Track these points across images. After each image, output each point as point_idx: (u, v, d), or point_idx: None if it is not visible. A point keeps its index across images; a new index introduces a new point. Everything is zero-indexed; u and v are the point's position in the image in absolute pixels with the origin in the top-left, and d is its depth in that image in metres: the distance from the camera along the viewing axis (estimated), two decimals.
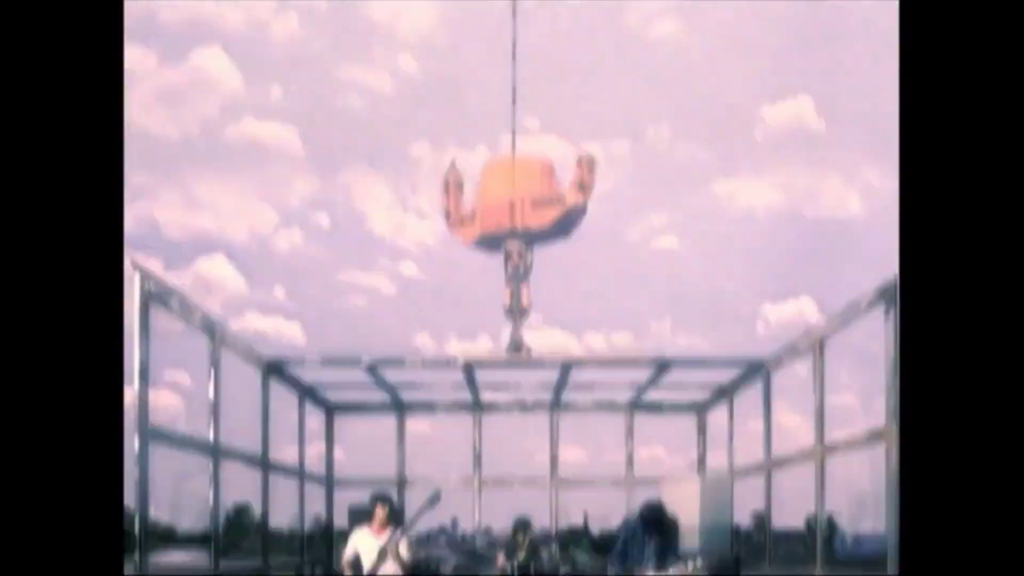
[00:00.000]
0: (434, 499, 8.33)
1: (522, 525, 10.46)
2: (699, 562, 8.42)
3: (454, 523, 13.26)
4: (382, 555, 7.95)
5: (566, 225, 17.77)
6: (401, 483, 12.76)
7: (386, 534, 8.09)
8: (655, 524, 8.57)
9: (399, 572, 8.12)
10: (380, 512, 8.22)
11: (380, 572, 8.00)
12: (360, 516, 8.45)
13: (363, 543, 8.21)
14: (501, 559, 10.31)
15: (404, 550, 8.07)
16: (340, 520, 12.13)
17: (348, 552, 8.29)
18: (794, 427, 10.19)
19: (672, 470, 13.03)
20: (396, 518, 8.37)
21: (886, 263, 6.71)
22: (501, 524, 11.46)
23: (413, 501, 12.70)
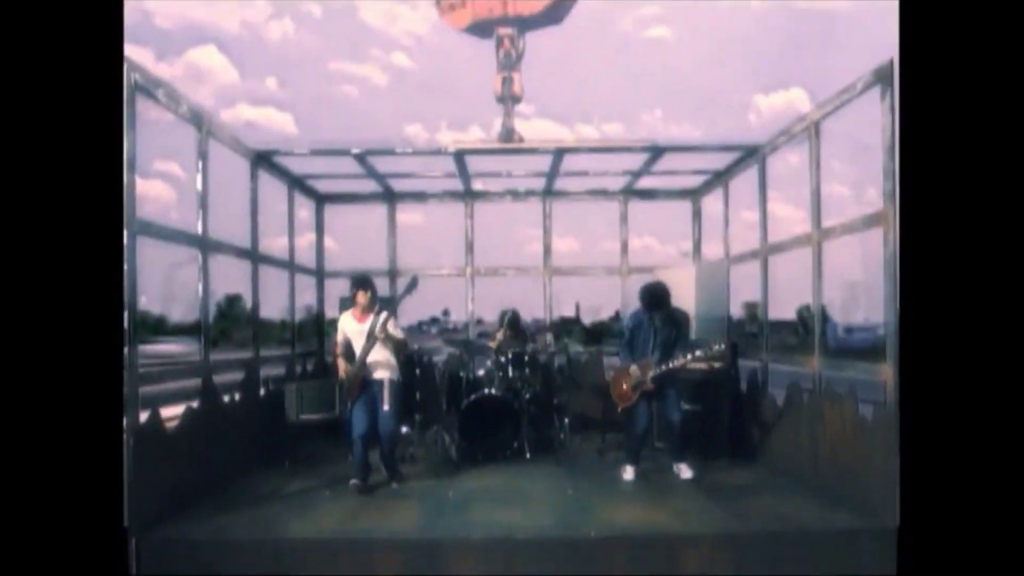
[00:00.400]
0: (412, 285, 8.28)
1: (512, 316, 10.52)
2: (697, 353, 8.44)
3: (446, 313, 13.26)
4: (370, 339, 7.93)
5: (558, 11, 17.15)
6: (392, 273, 12.73)
7: (369, 319, 8.04)
8: (657, 305, 8.51)
9: (391, 354, 8.14)
10: (362, 298, 8.12)
11: (371, 357, 8.02)
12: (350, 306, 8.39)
13: (349, 328, 8.20)
14: (499, 333, 10.39)
15: (393, 329, 8.02)
16: (331, 311, 12.12)
17: (340, 338, 8.29)
18: (786, 217, 10.08)
19: (666, 259, 13.01)
20: (380, 302, 8.33)
21: (878, 53, 6.50)
22: (494, 314, 11.47)
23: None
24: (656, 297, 8.55)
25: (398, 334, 8.11)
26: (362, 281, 8.21)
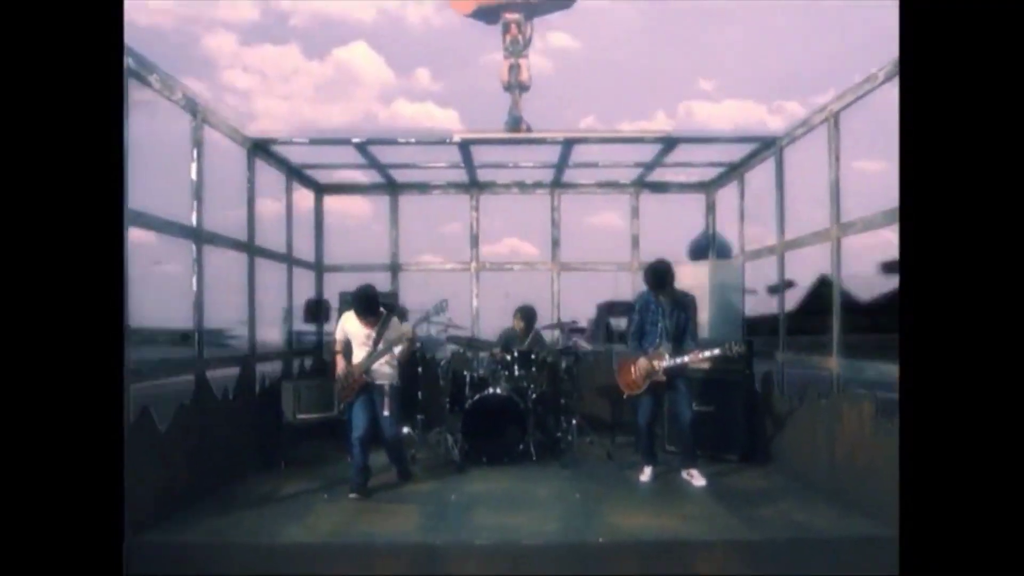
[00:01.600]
0: (440, 308, 8.26)
1: (527, 309, 10.38)
2: (716, 351, 8.16)
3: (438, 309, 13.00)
4: (378, 346, 7.92)
5: None
6: (394, 267, 12.50)
7: (376, 326, 7.95)
8: (661, 284, 8.19)
9: (394, 360, 8.05)
10: (370, 319, 7.98)
11: (375, 364, 7.94)
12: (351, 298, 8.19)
13: (352, 329, 8.07)
14: (498, 350, 10.12)
15: (405, 345, 8.00)
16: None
17: (340, 336, 8.21)
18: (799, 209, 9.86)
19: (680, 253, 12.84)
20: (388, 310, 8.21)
21: None
22: (499, 310, 11.27)
23: (404, 285, 12.53)
24: (659, 275, 8.18)
25: (408, 344, 8.05)
26: (367, 304, 7.96)
